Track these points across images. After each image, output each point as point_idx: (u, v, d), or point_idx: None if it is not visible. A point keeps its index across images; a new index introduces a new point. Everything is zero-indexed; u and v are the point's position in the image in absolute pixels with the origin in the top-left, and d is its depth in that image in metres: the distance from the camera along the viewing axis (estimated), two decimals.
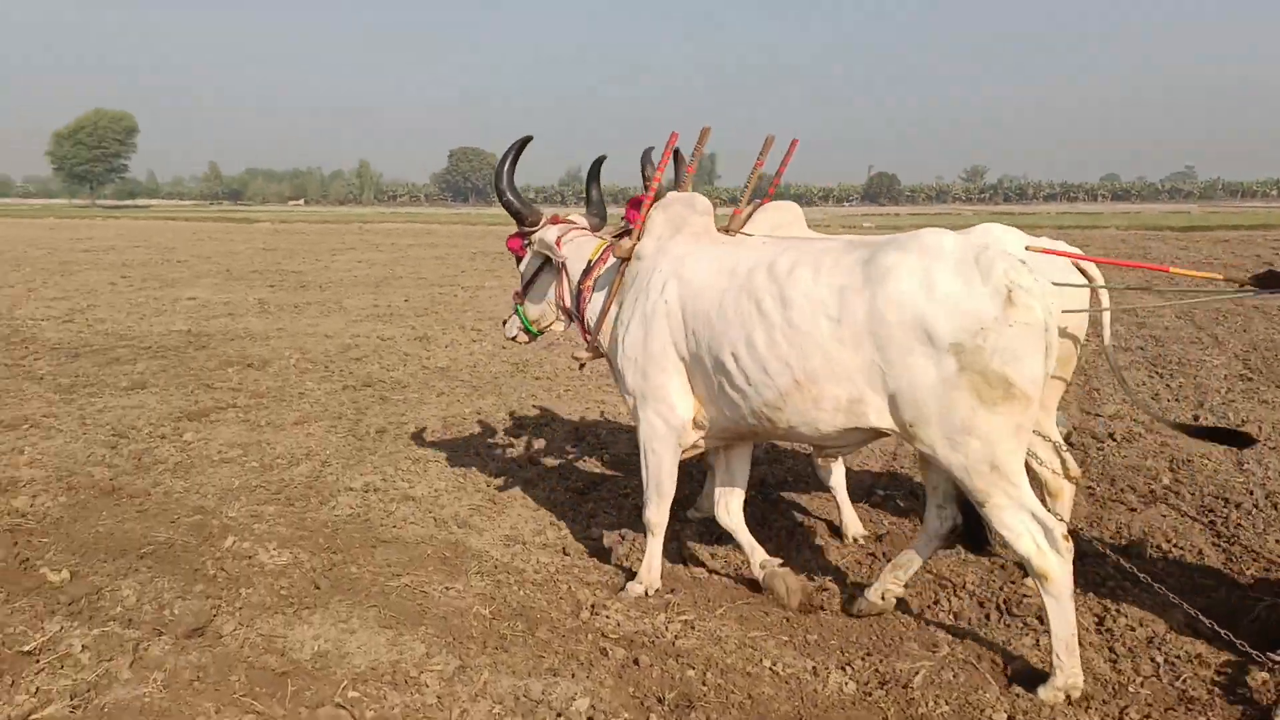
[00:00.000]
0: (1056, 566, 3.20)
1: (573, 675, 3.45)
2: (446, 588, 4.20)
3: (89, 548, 4.63)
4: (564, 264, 4.47)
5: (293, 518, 5.10)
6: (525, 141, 4.49)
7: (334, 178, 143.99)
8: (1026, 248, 3.70)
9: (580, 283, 4.40)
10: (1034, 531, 3.23)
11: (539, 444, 6.63)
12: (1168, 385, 8.04)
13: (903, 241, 3.43)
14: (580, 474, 5.98)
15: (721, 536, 4.92)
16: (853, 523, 4.94)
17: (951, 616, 4.00)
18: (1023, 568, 3.96)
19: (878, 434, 3.57)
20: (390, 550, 4.65)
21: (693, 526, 5.04)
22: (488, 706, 3.25)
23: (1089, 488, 5.55)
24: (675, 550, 4.72)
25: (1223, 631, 3.40)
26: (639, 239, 4.19)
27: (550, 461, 6.26)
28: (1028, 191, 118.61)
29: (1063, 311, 3.46)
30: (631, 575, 4.33)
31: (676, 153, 4.41)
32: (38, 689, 3.30)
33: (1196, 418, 6.95)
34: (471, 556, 4.58)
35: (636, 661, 3.53)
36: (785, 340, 3.51)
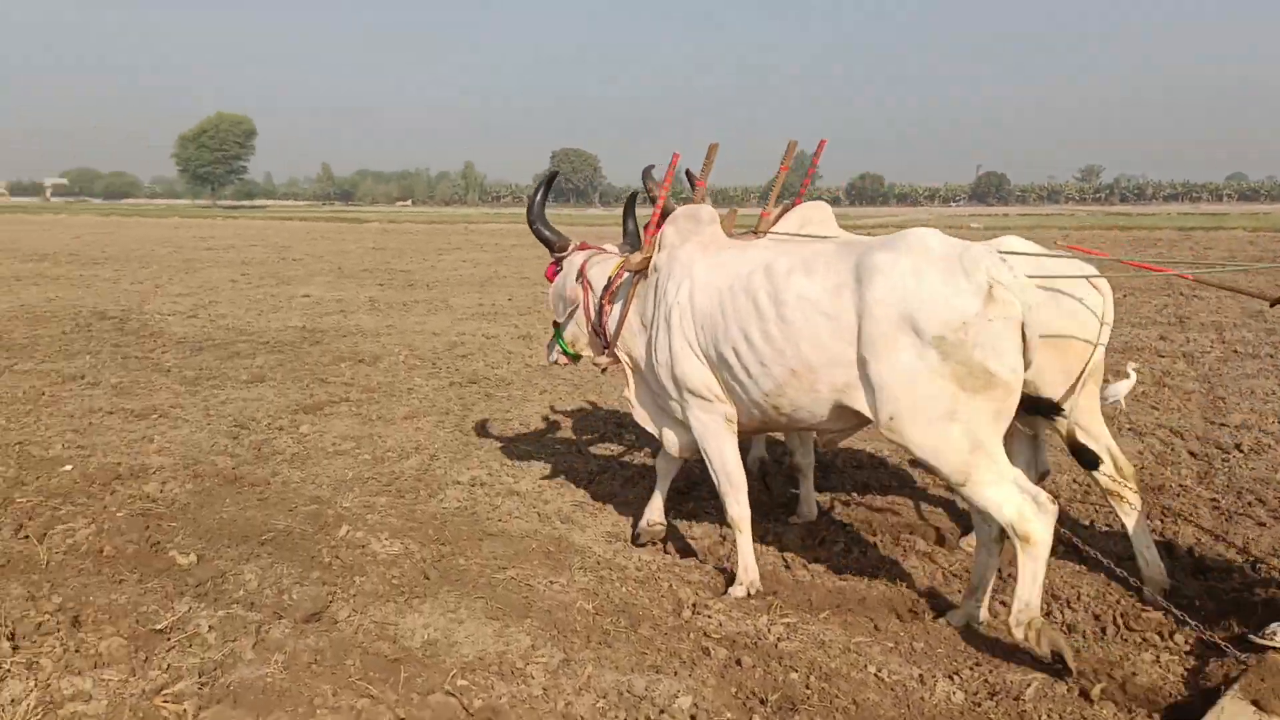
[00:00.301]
0: (1040, 529, 3.40)
1: (675, 673, 3.46)
2: (551, 582, 4.27)
3: (214, 533, 4.85)
4: (588, 283, 4.70)
5: (403, 509, 5.25)
6: (553, 176, 5.02)
7: (440, 179, 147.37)
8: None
9: (601, 299, 4.60)
10: (1017, 499, 3.42)
11: (639, 442, 6.68)
12: None
13: (892, 242, 3.66)
14: (680, 473, 5.99)
15: (824, 540, 4.88)
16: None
17: (1065, 629, 3.88)
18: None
19: (867, 421, 3.75)
20: (496, 543, 4.74)
21: (795, 530, 5.00)
22: (592, 700, 3.29)
23: (1213, 500, 5.32)
24: (777, 553, 4.69)
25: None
26: (653, 253, 4.42)
27: (650, 460, 6.29)
28: (1146, 191, 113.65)
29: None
30: (731, 576, 4.33)
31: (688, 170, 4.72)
32: (169, 665, 3.48)
33: None
34: (574, 552, 4.65)
35: (739, 662, 3.53)
36: (780, 334, 3.77)
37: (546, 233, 4.84)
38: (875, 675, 3.49)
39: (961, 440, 3.43)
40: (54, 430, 6.80)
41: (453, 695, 3.29)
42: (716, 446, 4.23)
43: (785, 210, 5.03)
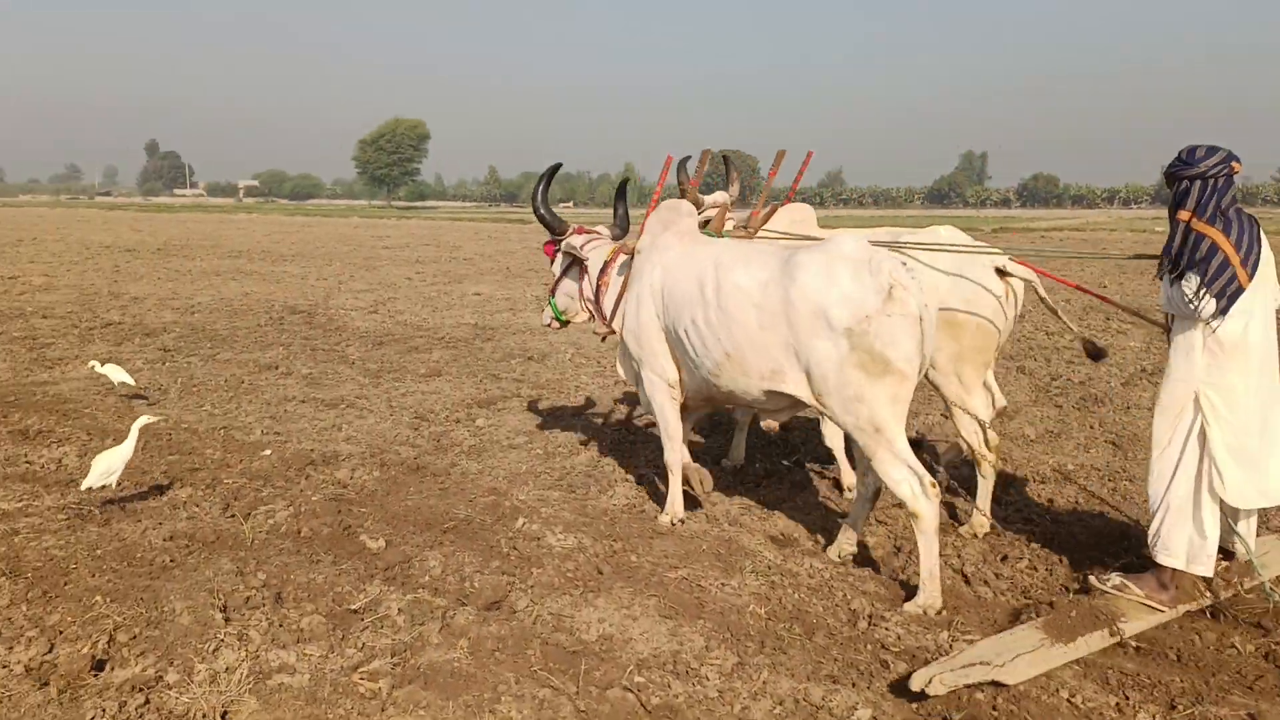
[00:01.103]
0: (927, 509, 3.96)
1: (853, 684, 3.40)
2: (722, 584, 4.26)
3: (400, 519, 5.08)
4: (586, 264, 5.39)
5: (575, 504, 5.36)
6: (555, 169, 5.62)
7: (601, 181, 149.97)
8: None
9: (599, 278, 5.32)
10: (911, 481, 3.96)
11: (809, 447, 6.59)
12: None
13: (816, 245, 4.30)
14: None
15: (1007, 556, 4.68)
16: (848, 474, 5.68)
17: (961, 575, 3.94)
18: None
19: (799, 402, 4.31)
20: (666, 542, 4.77)
21: (976, 547, 4.81)
22: (768, 706, 3.27)
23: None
24: (957, 569, 4.53)
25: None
26: (640, 237, 5.09)
27: (820, 466, 6.20)
28: None
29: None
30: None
31: (684, 162, 5.44)
32: (363, 645, 3.66)
33: None
34: (745, 555, 4.62)
35: None
36: (718, 320, 4.38)
37: (549, 218, 5.45)
38: (1068, 701, 3.32)
39: (867, 421, 3.99)
40: (253, 416, 7.29)
41: (630, 691, 3.33)
42: (659, 403, 5.01)
43: (773, 210, 5.57)
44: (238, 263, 21.90)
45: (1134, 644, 3.73)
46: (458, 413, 7.56)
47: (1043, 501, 5.49)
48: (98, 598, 3.96)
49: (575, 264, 5.50)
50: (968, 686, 3.31)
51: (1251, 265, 3.69)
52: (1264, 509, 4.19)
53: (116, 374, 7.51)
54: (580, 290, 5.47)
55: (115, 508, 5.13)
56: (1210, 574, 3.91)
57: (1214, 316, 3.71)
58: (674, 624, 3.83)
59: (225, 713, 3.17)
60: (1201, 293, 3.69)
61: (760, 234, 5.37)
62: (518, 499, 5.43)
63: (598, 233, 5.54)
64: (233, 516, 5.07)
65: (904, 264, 4.07)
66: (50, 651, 3.53)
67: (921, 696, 3.26)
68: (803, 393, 4.19)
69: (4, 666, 3.43)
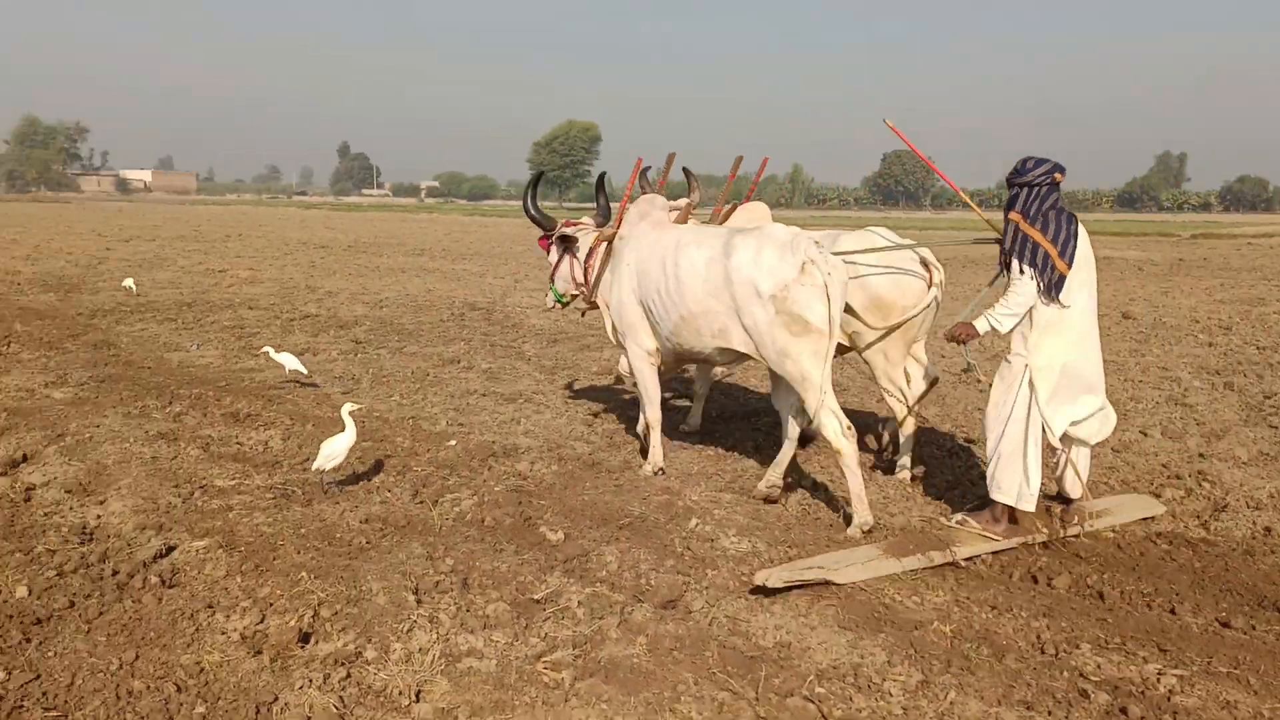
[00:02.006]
0: (846, 446, 4.92)
1: (1049, 713, 3.23)
2: (904, 598, 4.14)
3: (577, 513, 5.19)
4: (574, 250, 6.33)
5: (748, 508, 5.33)
6: (539, 176, 7.12)
7: (767, 182, 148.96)
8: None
9: (585, 261, 6.28)
10: (833, 423, 4.92)
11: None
12: None
13: (753, 230, 5.26)
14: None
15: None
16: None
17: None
18: None
19: (744, 356, 5.36)
20: (842, 550, 4.68)
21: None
22: None
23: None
24: (1164, 602, 4.25)
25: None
26: (618, 226, 6.07)
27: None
28: None
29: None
30: (1106, 625, 3.97)
31: (646, 172, 6.49)
32: (546, 634, 3.76)
33: None
34: (927, 569, 4.47)
35: (1124, 711, 3.21)
36: (674, 290, 5.38)
37: (539, 218, 6.41)
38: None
39: (796, 371, 4.95)
40: (439, 407, 7.62)
41: (811, 701, 3.28)
42: (640, 368, 5.95)
43: (734, 208, 6.56)
44: (420, 260, 22.95)
45: (965, 563, 4.58)
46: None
47: (1259, 531, 5.07)
48: (303, 574, 4.23)
49: (568, 252, 6.39)
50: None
51: (1069, 257, 4.59)
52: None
53: (290, 362, 8.01)
54: (570, 272, 6.39)
55: (316, 489, 5.46)
56: (1033, 509, 4.77)
57: (1043, 299, 4.60)
58: (854, 636, 3.75)
59: (419, 692, 3.32)
60: (1031, 280, 4.59)
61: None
62: (690, 499, 5.45)
63: (584, 223, 6.45)
64: (421, 503, 5.31)
65: (817, 244, 5.04)
66: (262, 622, 3.79)
67: None
68: (747, 348, 5.19)
69: (223, 633, 3.71)
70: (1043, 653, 3.71)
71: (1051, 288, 4.56)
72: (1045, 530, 4.86)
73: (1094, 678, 3.46)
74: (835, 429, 4.91)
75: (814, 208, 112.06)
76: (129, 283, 14.39)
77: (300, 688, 3.32)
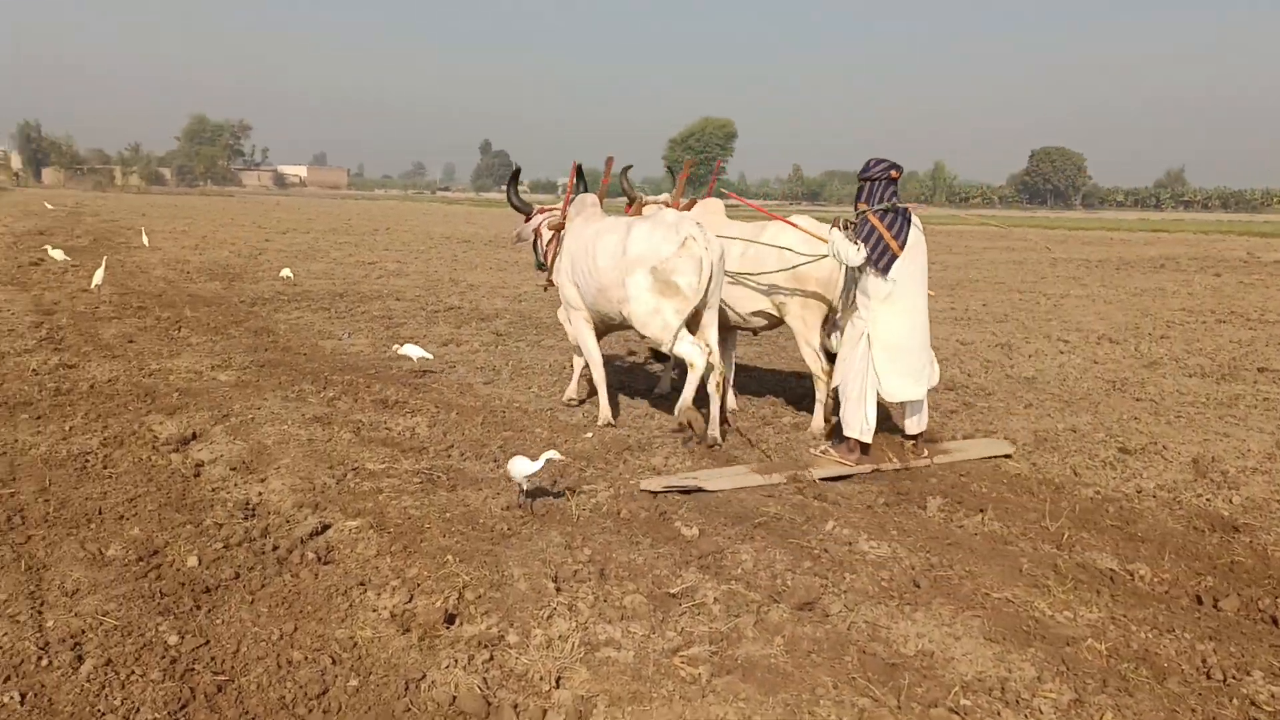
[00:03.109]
0: (699, 359, 6.09)
1: None
2: (1055, 612, 3.97)
3: (712, 510, 5.18)
4: (539, 235, 7.64)
5: (887, 512, 5.22)
6: (517, 171, 7.95)
7: (907, 179, 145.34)
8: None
9: (546, 246, 7.53)
10: (690, 348, 6.11)
11: (1146, 472, 6.00)
12: None
13: (650, 217, 6.40)
14: (1208, 514, 5.29)
15: None
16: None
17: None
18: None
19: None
20: (987, 561, 4.53)
21: None
22: None
23: None
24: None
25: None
26: (563, 220, 7.28)
27: (1162, 492, 5.62)
28: None
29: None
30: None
31: (576, 173, 7.56)
32: (682, 629, 3.77)
33: None
34: (1073, 581, 4.28)
35: None
36: (592, 267, 6.52)
37: (519, 204, 7.67)
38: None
39: (659, 324, 6.16)
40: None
41: (955, 713, 3.18)
42: (581, 333, 7.08)
43: (691, 204, 7.67)
44: None
45: (819, 479, 5.72)
46: (764, 409, 7.61)
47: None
48: (449, 557, 4.37)
49: (536, 235, 7.67)
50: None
51: (901, 241, 5.68)
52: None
53: (415, 351, 8.29)
54: (541, 251, 7.66)
55: (460, 475, 5.63)
56: (870, 441, 5.93)
57: (879, 274, 5.69)
58: (1001, 649, 3.62)
59: (559, 678, 3.38)
60: (870, 259, 5.69)
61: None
62: (828, 500, 5.38)
63: (554, 209, 7.59)
64: (560, 494, 5.41)
65: (697, 226, 6.14)
66: (410, 601, 3.94)
67: None
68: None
69: (374, 610, 3.87)
70: (1209, 678, 3.50)
71: (884, 266, 5.66)
72: (895, 460, 6.02)
73: (1268, 708, 3.24)
74: (691, 351, 6.12)
75: (955, 205, 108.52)
76: (287, 272, 15.18)
77: (446, 667, 3.43)
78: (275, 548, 4.44)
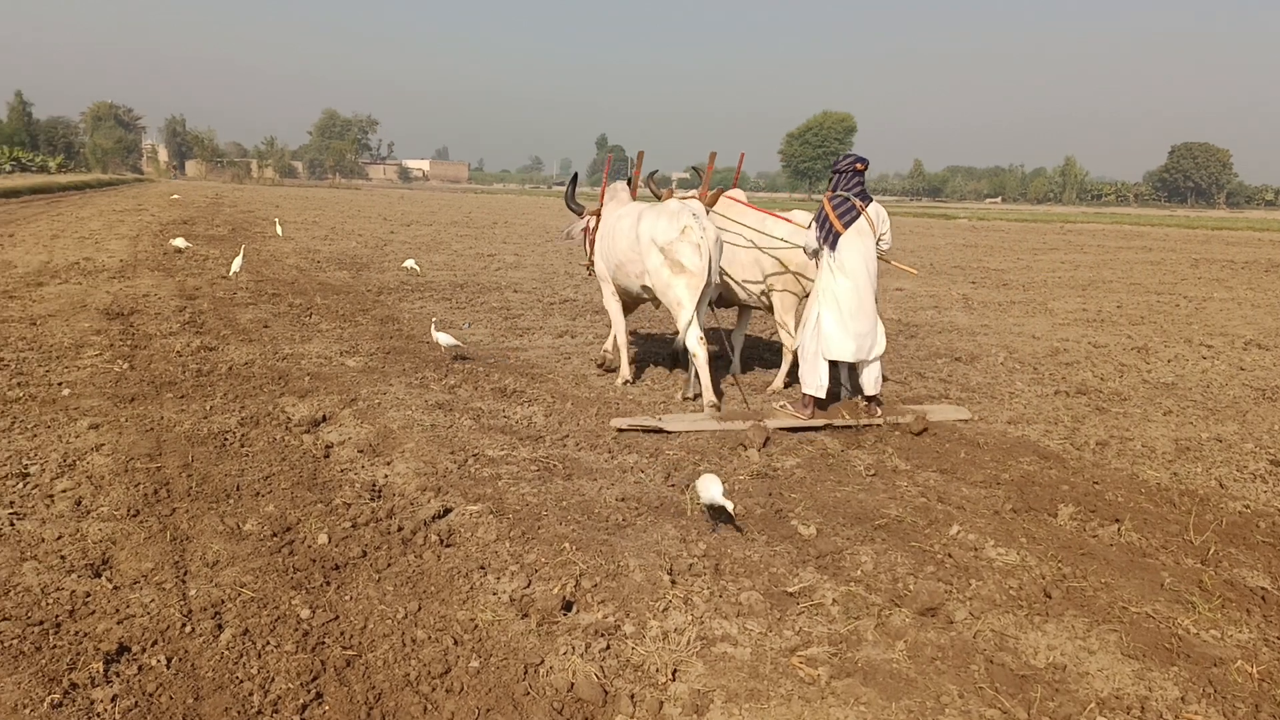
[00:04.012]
0: (700, 351, 6.91)
1: None
2: (1200, 630, 3.75)
3: (829, 509, 5.09)
4: (588, 229, 8.53)
5: (1013, 517, 5.03)
6: (576, 176, 9.00)
7: (1035, 175, 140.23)
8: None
9: (589, 236, 8.49)
10: (693, 335, 6.90)
11: None
12: None
13: (659, 205, 7.27)
14: None
15: None
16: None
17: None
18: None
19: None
20: (1124, 574, 4.31)
21: None
22: None
23: None
24: None
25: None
26: (600, 208, 8.30)
27: None
28: None
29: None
30: None
31: (654, 174, 8.48)
32: (800, 629, 3.71)
33: None
34: (1220, 599, 4.03)
35: None
36: (614, 246, 7.54)
37: (574, 206, 8.77)
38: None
39: (674, 299, 6.95)
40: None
41: None
42: (609, 303, 8.13)
43: (719, 193, 8.03)
44: None
45: (774, 429, 6.51)
46: (766, 377, 7.43)
47: None
48: (565, 544, 4.40)
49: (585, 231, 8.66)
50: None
51: (845, 223, 6.58)
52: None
53: (445, 339, 8.39)
54: (587, 240, 8.56)
55: (575, 464, 5.68)
56: (823, 396, 6.77)
57: (828, 250, 6.63)
58: (1140, 666, 3.44)
59: (675, 671, 3.37)
60: (819, 236, 6.68)
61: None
62: (950, 504, 5.21)
63: (598, 209, 8.42)
64: (673, 486, 5.40)
65: (695, 215, 6.96)
66: (529, 586, 3.99)
67: None
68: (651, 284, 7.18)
69: (494, 594, 3.93)
70: None
71: (830, 243, 6.63)
72: (849, 417, 6.79)
73: None
74: (694, 338, 6.91)
75: (1086, 204, 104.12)
76: (411, 263, 15.62)
77: (564, 654, 3.45)
78: (400, 529, 4.56)
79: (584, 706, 3.18)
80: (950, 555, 4.49)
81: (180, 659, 3.33)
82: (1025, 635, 3.69)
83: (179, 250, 16.84)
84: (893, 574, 4.26)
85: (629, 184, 8.41)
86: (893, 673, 3.37)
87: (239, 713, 3.04)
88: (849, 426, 6.68)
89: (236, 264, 13.36)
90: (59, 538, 4.26)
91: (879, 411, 6.83)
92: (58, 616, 3.54)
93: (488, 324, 11.03)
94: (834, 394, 7.13)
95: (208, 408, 6.56)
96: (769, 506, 5.10)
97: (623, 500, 5.11)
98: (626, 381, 7.91)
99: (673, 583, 4.06)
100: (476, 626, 3.66)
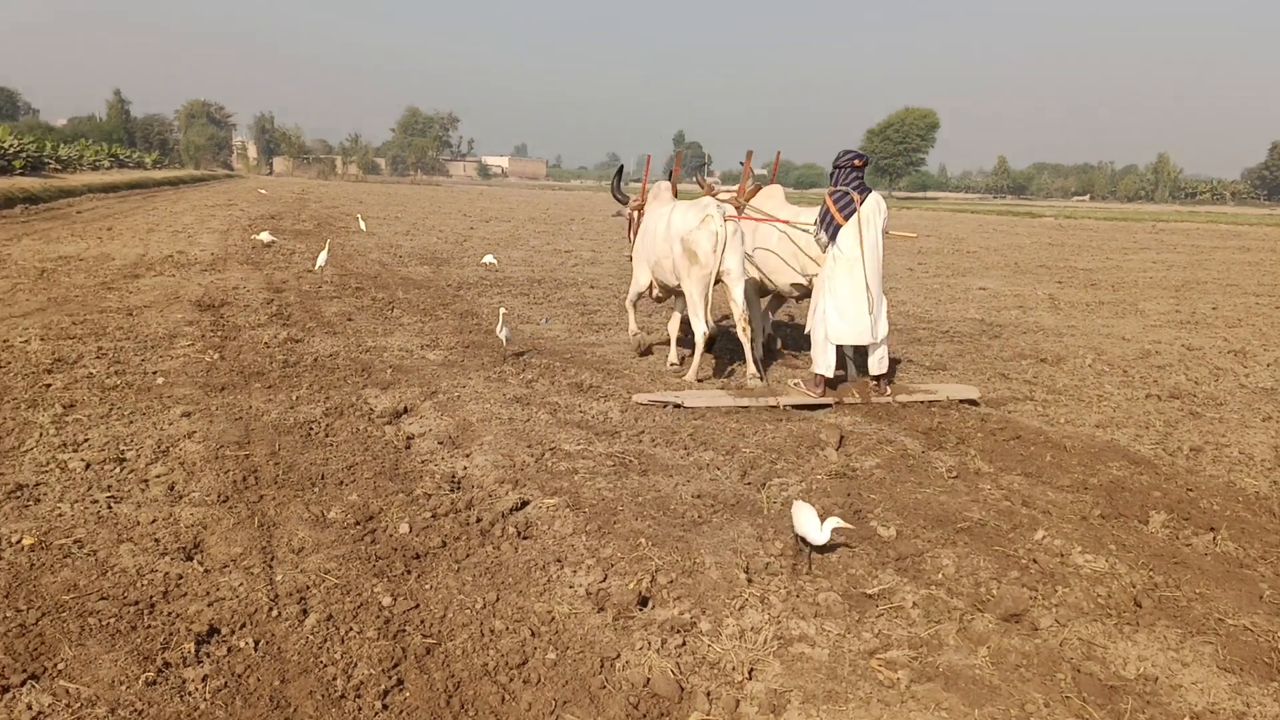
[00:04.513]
0: (701, 336, 7.65)
1: None
2: None
3: (909, 511, 5.00)
4: (632, 218, 9.27)
5: (1102, 524, 4.88)
6: (621, 169, 10.66)
7: (1125, 172, 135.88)
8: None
9: (632, 227, 9.23)
10: (700, 324, 7.60)
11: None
12: None
13: (687, 202, 7.96)
14: None
15: None
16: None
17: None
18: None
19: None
20: (1220, 584, 4.15)
21: None
22: None
23: None
24: None
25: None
26: (642, 203, 8.99)
27: None
28: None
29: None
30: None
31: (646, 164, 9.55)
32: (879, 631, 3.65)
33: None
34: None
35: None
36: (651, 242, 8.16)
37: (620, 197, 9.74)
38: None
39: (689, 288, 7.62)
40: None
41: None
42: (631, 295, 8.95)
43: (756, 189, 8.58)
44: None
45: (786, 406, 7.11)
46: (965, 408, 7.28)
47: None
48: (641, 540, 4.41)
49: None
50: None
51: (845, 215, 7.05)
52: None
53: (504, 333, 8.37)
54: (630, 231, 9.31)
55: (651, 460, 5.69)
56: (830, 375, 7.30)
57: (830, 242, 7.13)
58: (1237, 680, 3.31)
59: (752, 670, 3.35)
60: (819, 229, 7.25)
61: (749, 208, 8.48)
62: (1035, 508, 5.08)
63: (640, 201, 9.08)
64: (749, 484, 5.37)
65: (718, 209, 7.52)
66: (605, 581, 4.00)
67: None
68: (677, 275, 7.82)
69: (570, 587, 3.95)
70: None
71: (831, 234, 7.12)
72: (858, 396, 7.33)
73: None
74: (702, 328, 7.62)
75: (1180, 202, 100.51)
76: (489, 259, 15.82)
77: (640, 649, 3.46)
78: (479, 520, 4.62)
79: (660, 702, 3.18)
80: (1035, 561, 4.38)
81: (267, 642, 3.42)
82: (1114, 645, 3.58)
83: (266, 245, 17.34)
84: (975, 578, 4.17)
85: (670, 180, 9.05)
86: (975, 679, 3.30)
87: (323, 696, 3.11)
88: (858, 404, 7.25)
89: (321, 258, 13.68)
90: (153, 521, 4.42)
91: (888, 390, 7.38)
92: (152, 597, 3.67)
93: (564, 319, 11.11)
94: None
95: (294, 398, 6.73)
96: (847, 507, 5.04)
97: (698, 497, 5.10)
98: (636, 335, 9.23)
99: (749, 581, 4.04)
100: (553, 619, 3.69)
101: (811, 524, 4.17)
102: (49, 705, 2.94)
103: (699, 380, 7.78)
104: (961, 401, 7.42)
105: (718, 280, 7.56)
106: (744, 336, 7.72)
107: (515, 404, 6.87)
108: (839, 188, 7.11)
